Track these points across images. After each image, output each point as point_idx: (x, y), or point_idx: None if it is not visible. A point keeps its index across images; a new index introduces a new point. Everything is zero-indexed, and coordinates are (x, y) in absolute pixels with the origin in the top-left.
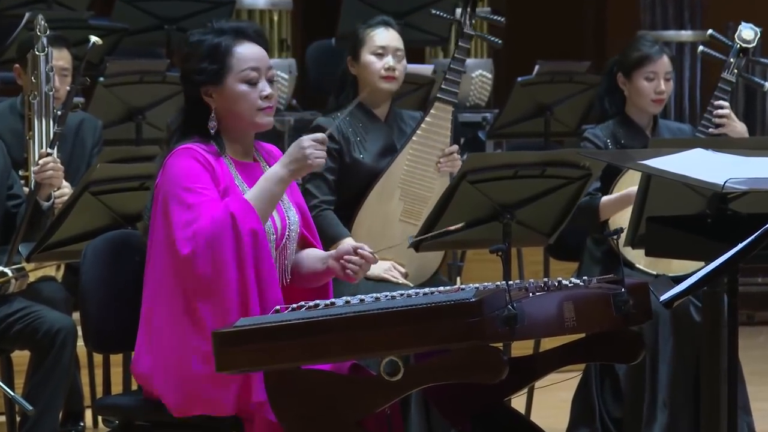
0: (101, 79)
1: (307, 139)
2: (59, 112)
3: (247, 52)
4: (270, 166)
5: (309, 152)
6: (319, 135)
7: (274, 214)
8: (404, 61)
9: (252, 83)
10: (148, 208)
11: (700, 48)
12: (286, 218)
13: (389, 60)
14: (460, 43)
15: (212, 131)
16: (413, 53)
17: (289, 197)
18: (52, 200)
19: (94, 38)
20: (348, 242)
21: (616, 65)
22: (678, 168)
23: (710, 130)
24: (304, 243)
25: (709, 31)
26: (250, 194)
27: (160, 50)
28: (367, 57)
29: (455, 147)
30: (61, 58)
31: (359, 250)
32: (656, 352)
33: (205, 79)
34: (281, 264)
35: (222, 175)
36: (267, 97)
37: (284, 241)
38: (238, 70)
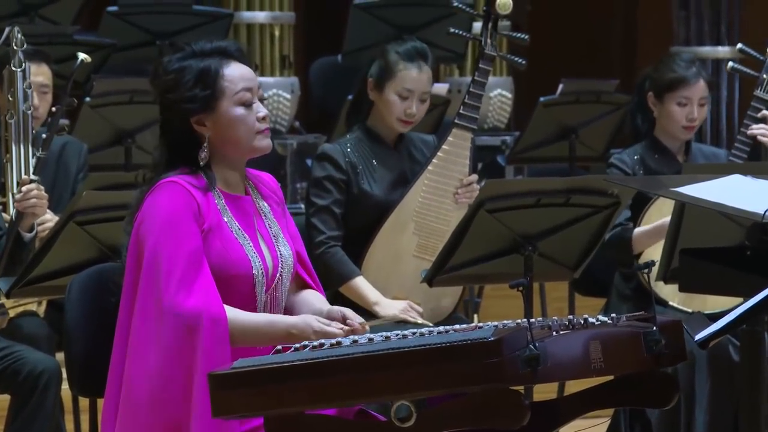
0: (87, 99)
1: (319, 330)
2: (44, 135)
3: (237, 72)
4: (262, 196)
5: (312, 337)
6: (332, 329)
7: (264, 249)
8: (427, 102)
9: (247, 105)
10: (125, 245)
11: (730, 64)
12: (278, 255)
13: (413, 106)
14: (480, 65)
15: (203, 163)
16: None
17: (282, 230)
18: (34, 231)
19: (82, 55)
20: (336, 308)
21: (648, 82)
22: (714, 196)
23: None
24: (299, 282)
25: (739, 45)
26: (247, 317)
27: (153, 70)
28: (391, 95)
29: (474, 177)
30: (41, 73)
31: (348, 321)
32: (691, 395)
33: (197, 107)
34: (272, 308)
35: (208, 211)
36: (263, 119)
37: (276, 281)
38: (232, 93)
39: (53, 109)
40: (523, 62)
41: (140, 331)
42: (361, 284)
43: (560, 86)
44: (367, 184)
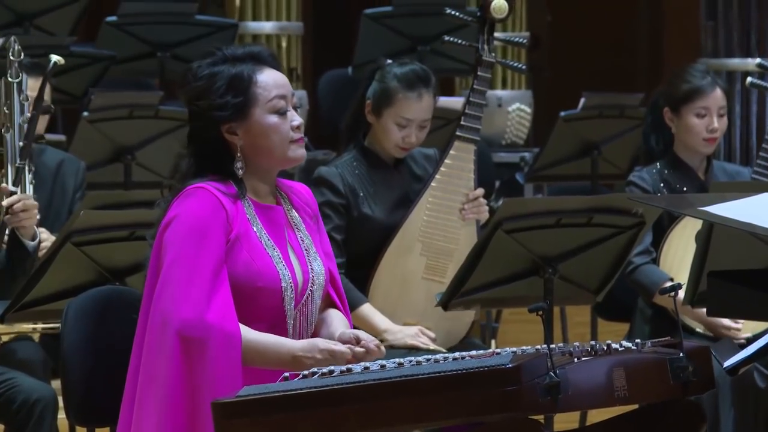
0: (85, 113)
1: (325, 348)
2: (21, 143)
3: (271, 79)
4: (294, 207)
5: (319, 358)
6: (339, 347)
7: (295, 262)
8: (427, 128)
9: (281, 113)
10: (148, 256)
11: (748, 80)
12: (309, 270)
13: (411, 135)
14: (479, 73)
15: (240, 173)
16: (441, 84)
17: (316, 245)
18: (38, 238)
19: (55, 57)
20: (349, 331)
21: (662, 98)
22: (745, 216)
23: None
24: (327, 303)
25: (758, 60)
26: (255, 336)
27: (152, 81)
28: (389, 123)
29: (481, 190)
30: (37, 88)
31: (362, 342)
32: (716, 424)
33: (228, 115)
34: (300, 326)
35: (237, 219)
36: (298, 128)
37: (305, 296)
38: (265, 100)
39: (29, 114)
40: (524, 67)
41: (152, 346)
42: (369, 312)
43: (582, 100)
44: (367, 206)
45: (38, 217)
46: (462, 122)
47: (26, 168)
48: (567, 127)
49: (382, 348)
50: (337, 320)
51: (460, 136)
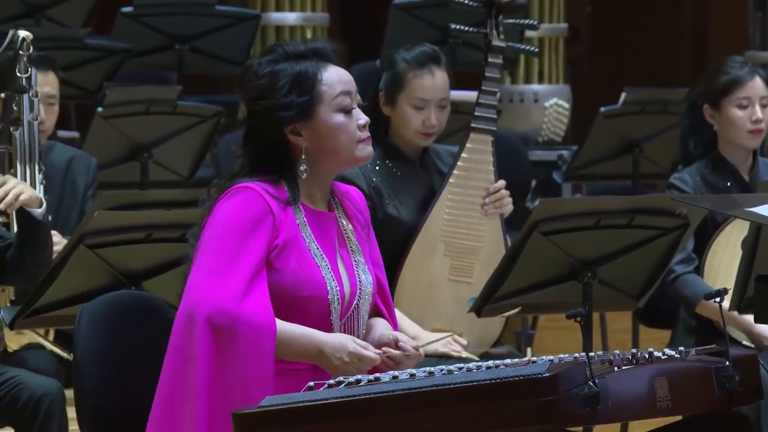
0: (100, 109)
1: (354, 351)
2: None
3: (336, 75)
4: (347, 215)
5: (346, 361)
6: (368, 353)
7: (343, 273)
8: (447, 108)
9: (347, 111)
10: (190, 256)
11: None
12: (357, 282)
13: (431, 116)
14: (489, 59)
15: (304, 176)
16: (469, 78)
17: (364, 254)
18: (44, 206)
19: (23, 33)
20: (389, 333)
21: (701, 97)
22: None
23: None
24: (374, 313)
25: None
26: (283, 325)
27: (170, 75)
28: (405, 108)
29: (502, 182)
30: (47, 83)
31: (400, 343)
32: None
33: (293, 115)
34: None
35: (285, 224)
36: (365, 126)
37: (352, 309)
38: (331, 98)
39: (2, 95)
40: (536, 50)
41: (182, 337)
42: (397, 317)
43: (623, 95)
44: (393, 207)
45: (29, 191)
46: (476, 113)
47: (36, 168)
48: (607, 123)
49: (422, 351)
50: (381, 325)
51: (476, 127)
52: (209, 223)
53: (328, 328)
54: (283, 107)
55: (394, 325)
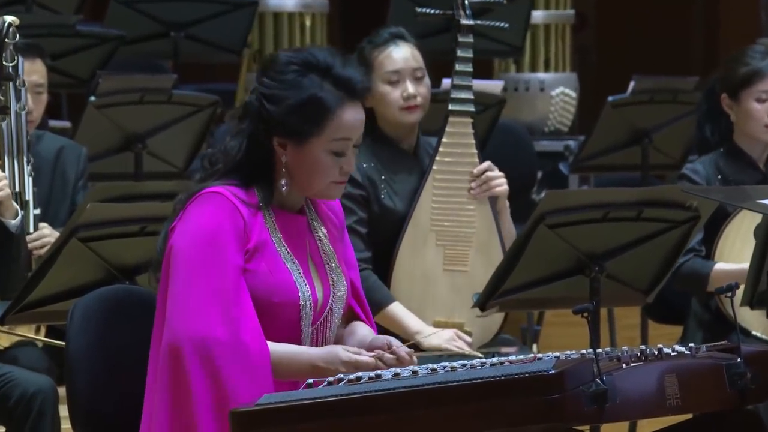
0: (92, 98)
1: (347, 360)
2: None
3: (350, 119)
4: (320, 217)
5: (341, 371)
6: (363, 358)
7: (315, 277)
8: (426, 80)
9: (339, 155)
10: (159, 260)
11: None
12: (330, 286)
13: (408, 86)
14: (460, 39)
15: (284, 189)
16: (479, 66)
17: (339, 258)
18: (19, 216)
19: (9, 18)
20: (381, 337)
21: (719, 84)
22: None
23: None
24: (349, 315)
25: None
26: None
27: (165, 63)
28: (381, 87)
29: (486, 164)
30: (35, 71)
31: (394, 348)
32: None
33: (287, 133)
34: (316, 344)
35: (255, 228)
36: (346, 172)
37: (325, 314)
38: (330, 139)
39: (26, 101)
40: (506, 26)
41: (172, 369)
42: (399, 311)
43: (631, 84)
44: (388, 198)
45: (9, 191)
46: (452, 95)
47: (24, 159)
48: (615, 113)
49: (414, 357)
50: (363, 330)
51: (453, 110)
52: (180, 235)
53: (297, 333)
54: (282, 121)
55: (372, 325)
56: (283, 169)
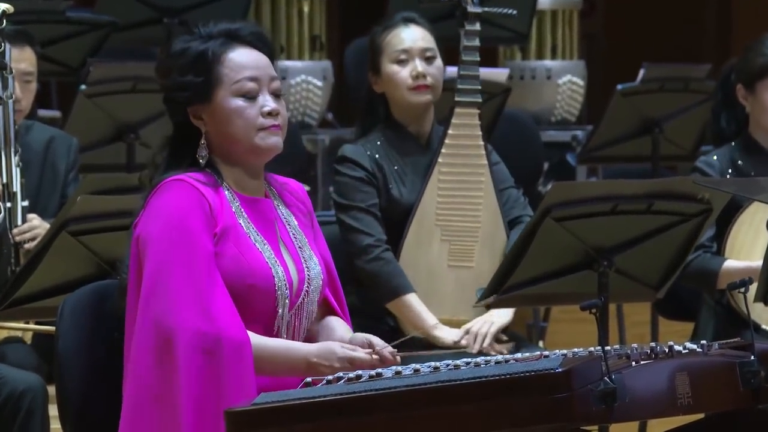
0: (83, 87)
1: (344, 356)
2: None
3: (242, 58)
4: (285, 203)
5: (336, 367)
6: (359, 355)
7: (288, 260)
8: (438, 62)
9: (250, 97)
10: (126, 263)
11: None
12: (305, 269)
13: (416, 66)
14: (467, 27)
15: (202, 161)
16: (484, 54)
17: (311, 243)
18: (1, 213)
19: (3, 6)
20: (361, 336)
21: (735, 74)
22: None
23: None
24: (324, 308)
25: None
26: (263, 341)
27: (158, 50)
28: (389, 67)
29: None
30: (23, 59)
31: (376, 348)
32: None
33: (190, 96)
34: (294, 330)
35: (221, 212)
36: (270, 113)
37: (301, 298)
38: (231, 82)
39: (13, 90)
40: (515, 13)
41: (141, 362)
42: (417, 303)
43: (641, 72)
44: (396, 189)
45: None
46: (459, 86)
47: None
48: (625, 102)
49: (398, 357)
50: (341, 327)
51: (460, 101)
52: (148, 223)
53: (271, 321)
54: (179, 87)
55: (346, 318)
56: (202, 141)
